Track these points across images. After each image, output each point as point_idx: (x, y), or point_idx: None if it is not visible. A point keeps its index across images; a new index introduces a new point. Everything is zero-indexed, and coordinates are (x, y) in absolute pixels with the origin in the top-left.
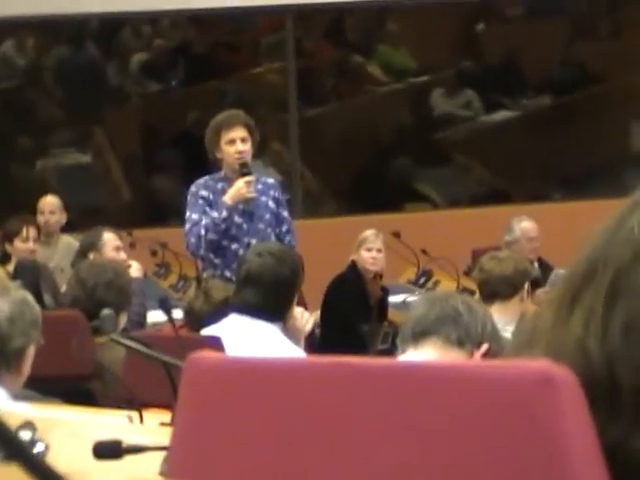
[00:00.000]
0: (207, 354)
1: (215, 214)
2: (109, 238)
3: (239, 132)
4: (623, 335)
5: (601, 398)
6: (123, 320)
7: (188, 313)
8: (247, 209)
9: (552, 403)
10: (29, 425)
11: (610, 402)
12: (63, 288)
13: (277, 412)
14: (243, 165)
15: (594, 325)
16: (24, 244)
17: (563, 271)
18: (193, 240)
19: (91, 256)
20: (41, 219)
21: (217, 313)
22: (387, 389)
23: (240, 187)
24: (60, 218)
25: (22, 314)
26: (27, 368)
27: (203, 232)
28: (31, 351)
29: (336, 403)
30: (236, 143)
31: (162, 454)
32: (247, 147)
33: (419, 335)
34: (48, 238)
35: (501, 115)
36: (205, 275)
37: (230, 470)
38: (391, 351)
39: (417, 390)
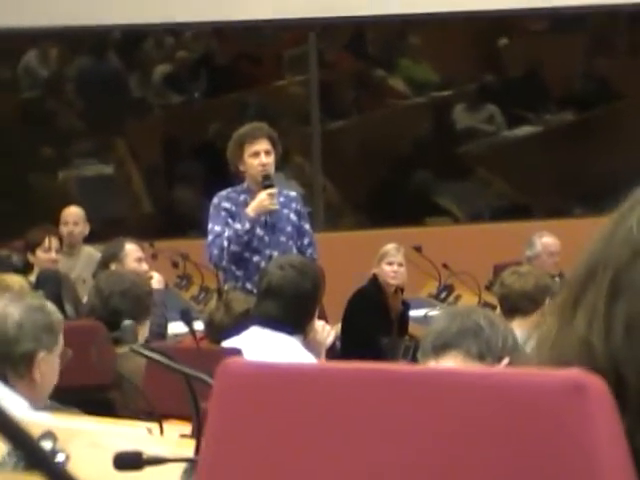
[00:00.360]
0: (239, 360)
1: (238, 226)
2: (131, 249)
3: (263, 145)
4: (625, 333)
5: None
6: (144, 331)
7: (209, 325)
8: (269, 221)
9: (583, 411)
10: (50, 435)
11: (615, 399)
12: (84, 299)
13: (306, 417)
14: (266, 177)
15: (597, 324)
16: (46, 254)
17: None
18: (216, 252)
19: (113, 267)
20: (64, 230)
21: (237, 325)
22: (415, 396)
23: (263, 199)
24: (83, 229)
25: (32, 319)
26: (44, 376)
27: (226, 244)
28: (44, 357)
29: (366, 408)
30: (260, 156)
31: (182, 466)
32: (270, 160)
33: (440, 348)
34: (71, 249)
35: (523, 130)
36: (226, 287)
37: (260, 475)
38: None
39: (446, 397)
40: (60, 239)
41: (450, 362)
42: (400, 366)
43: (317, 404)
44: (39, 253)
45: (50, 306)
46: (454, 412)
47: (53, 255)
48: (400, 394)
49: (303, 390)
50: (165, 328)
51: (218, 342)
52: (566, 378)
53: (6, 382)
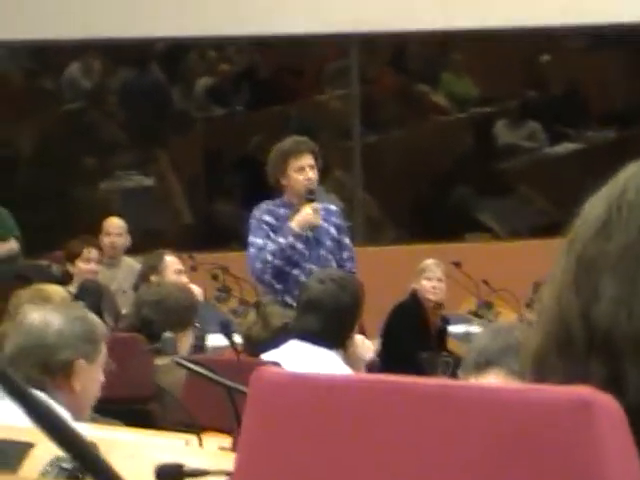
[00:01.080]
0: (272, 369)
1: (282, 240)
2: (171, 261)
3: (308, 160)
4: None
5: None
6: (185, 343)
7: (246, 339)
8: (310, 235)
9: (591, 429)
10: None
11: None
12: (124, 310)
13: (338, 427)
14: (310, 192)
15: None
16: (86, 265)
17: None
18: (259, 265)
19: (152, 279)
20: (107, 240)
21: (275, 339)
22: (426, 410)
23: (307, 213)
24: (125, 240)
25: (72, 327)
26: (84, 386)
27: (270, 258)
28: (84, 367)
29: (392, 420)
30: (305, 171)
31: (222, 479)
32: (314, 174)
33: (482, 365)
34: (112, 260)
35: (564, 147)
36: (264, 300)
37: None
38: None
39: (455, 411)
40: (100, 250)
41: (492, 379)
42: (417, 380)
43: (350, 415)
44: (79, 264)
45: (93, 317)
46: (462, 425)
47: (92, 266)
48: (415, 407)
49: (336, 401)
50: (204, 340)
51: (256, 356)
52: (574, 395)
53: (44, 391)
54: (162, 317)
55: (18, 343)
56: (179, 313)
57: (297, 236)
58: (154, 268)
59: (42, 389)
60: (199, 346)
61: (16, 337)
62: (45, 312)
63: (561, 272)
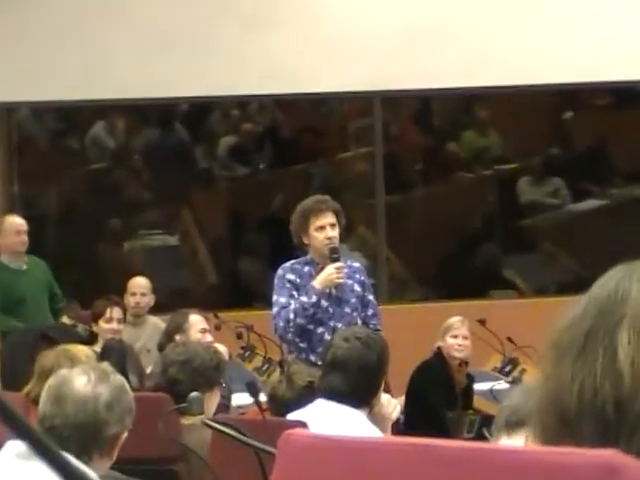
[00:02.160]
0: (300, 431)
1: (304, 298)
2: (195, 320)
3: (328, 218)
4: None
5: None
6: (212, 401)
7: (271, 399)
8: (334, 293)
9: None
10: None
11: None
12: (149, 369)
13: None
14: (333, 250)
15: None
16: (108, 324)
17: None
18: (282, 324)
19: (177, 338)
20: (132, 300)
21: (300, 399)
22: (456, 473)
23: (330, 273)
24: (149, 299)
25: (120, 401)
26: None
27: (292, 316)
28: (124, 437)
29: None
30: (326, 229)
31: None
32: (336, 233)
33: (514, 425)
34: (136, 319)
35: (589, 204)
36: (289, 358)
37: None
38: (476, 440)
39: (482, 474)
40: (124, 309)
41: (523, 439)
42: (443, 442)
43: (376, 477)
44: (101, 323)
45: (126, 384)
46: None
47: (115, 325)
48: (441, 470)
49: (363, 463)
50: (229, 400)
51: (281, 415)
52: (599, 460)
53: (91, 461)
54: (189, 377)
55: (68, 414)
56: (206, 373)
57: (320, 294)
58: (179, 327)
59: (89, 460)
60: (224, 405)
61: (62, 406)
62: (91, 381)
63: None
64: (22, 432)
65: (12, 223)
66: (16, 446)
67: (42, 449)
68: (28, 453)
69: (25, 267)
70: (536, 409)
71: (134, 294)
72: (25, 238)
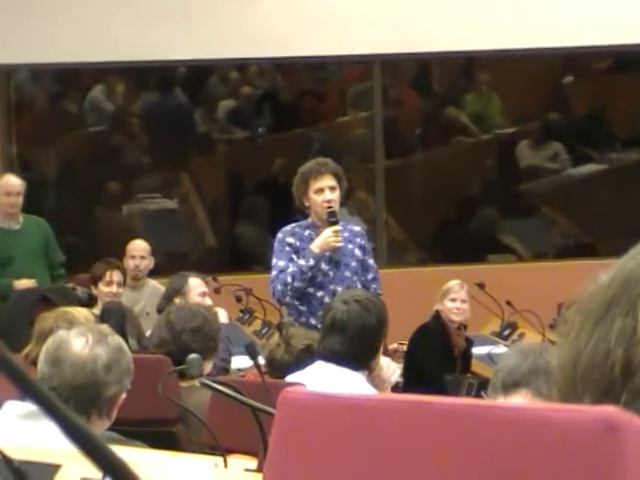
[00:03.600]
0: (299, 389)
1: (302, 262)
2: (195, 284)
3: (328, 181)
4: None
5: None
6: (209, 366)
7: (270, 362)
8: (334, 257)
9: (615, 452)
10: None
11: None
12: (148, 332)
13: (363, 447)
14: (331, 214)
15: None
16: (107, 287)
17: None
18: (279, 287)
19: (177, 301)
20: (131, 263)
21: (298, 362)
22: (453, 429)
23: (328, 236)
24: (149, 263)
25: (118, 362)
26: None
27: (290, 280)
28: (122, 398)
29: (415, 439)
30: (325, 192)
31: None
32: (335, 196)
33: (510, 386)
34: (135, 282)
35: (588, 168)
36: (284, 320)
37: None
38: None
39: (479, 430)
40: (124, 272)
41: (518, 400)
42: (441, 399)
43: (374, 435)
44: (101, 286)
45: (125, 345)
46: (484, 445)
47: (114, 289)
48: (438, 427)
49: (361, 420)
50: (229, 363)
51: (279, 378)
52: (598, 416)
53: (89, 421)
54: (200, 344)
55: (66, 376)
56: (214, 339)
57: (318, 258)
58: (178, 290)
59: (88, 421)
60: (224, 368)
61: (61, 368)
62: (88, 343)
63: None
64: (32, 392)
65: (4, 184)
66: (17, 407)
67: (52, 409)
68: (37, 413)
69: (17, 227)
70: (555, 372)
71: (133, 257)
72: (15, 200)
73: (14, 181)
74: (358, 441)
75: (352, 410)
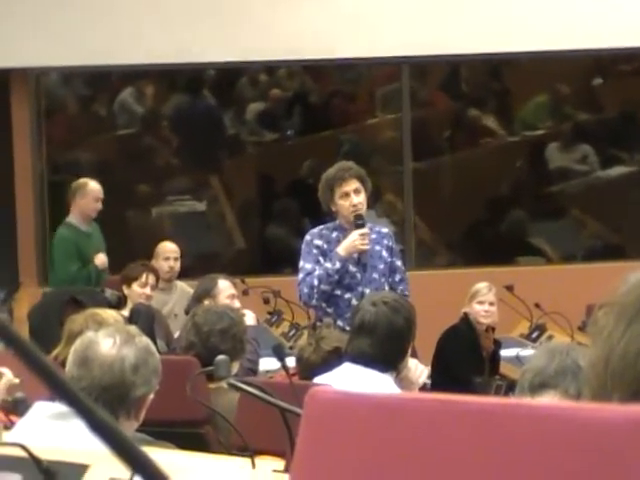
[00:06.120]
0: (326, 389)
1: (328, 265)
2: (224, 286)
3: (352, 185)
4: None
5: None
6: (236, 367)
7: (299, 361)
8: (362, 259)
9: None
10: None
11: None
12: (176, 334)
13: (390, 445)
14: (358, 217)
15: None
16: (142, 289)
17: None
18: (306, 290)
19: (206, 303)
20: (165, 265)
21: (326, 363)
22: (484, 428)
23: (354, 239)
24: (179, 265)
25: (146, 362)
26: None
27: (316, 282)
28: (150, 399)
29: (440, 438)
30: (350, 196)
31: None
32: (361, 198)
33: (537, 387)
34: (167, 284)
35: (617, 170)
36: (319, 323)
37: None
38: None
39: (509, 429)
40: (157, 276)
41: (547, 401)
42: (470, 399)
43: (401, 434)
44: (135, 287)
45: (152, 346)
46: (513, 444)
47: (148, 291)
48: (467, 426)
49: (388, 419)
50: (257, 364)
51: (308, 379)
52: (628, 415)
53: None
54: (228, 345)
55: (95, 377)
56: (241, 341)
57: (344, 261)
58: (208, 292)
59: (116, 421)
60: (252, 370)
61: (89, 369)
62: (116, 343)
63: None
64: (64, 392)
65: (93, 189)
66: (48, 407)
67: (84, 409)
68: (67, 413)
69: (90, 230)
70: (586, 370)
71: (167, 259)
72: (99, 205)
73: (98, 186)
74: (384, 440)
75: (379, 409)
